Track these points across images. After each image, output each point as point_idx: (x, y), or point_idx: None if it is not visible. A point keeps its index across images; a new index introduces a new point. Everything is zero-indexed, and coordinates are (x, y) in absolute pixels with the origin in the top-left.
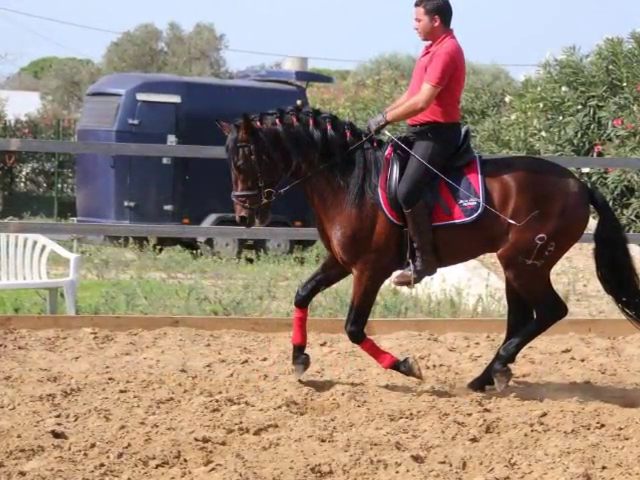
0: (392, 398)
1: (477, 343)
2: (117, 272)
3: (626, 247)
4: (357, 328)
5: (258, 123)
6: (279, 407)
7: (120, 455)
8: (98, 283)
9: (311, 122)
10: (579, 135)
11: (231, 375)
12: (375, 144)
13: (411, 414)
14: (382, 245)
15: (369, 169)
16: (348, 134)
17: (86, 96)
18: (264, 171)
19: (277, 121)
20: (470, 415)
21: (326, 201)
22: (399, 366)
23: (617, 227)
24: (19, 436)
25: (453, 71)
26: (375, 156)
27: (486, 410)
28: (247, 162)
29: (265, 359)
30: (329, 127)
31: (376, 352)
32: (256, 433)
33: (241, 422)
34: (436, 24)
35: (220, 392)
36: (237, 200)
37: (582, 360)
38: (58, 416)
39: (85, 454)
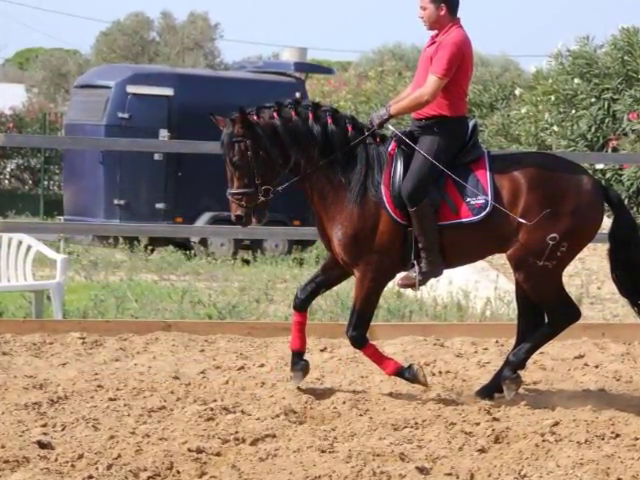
0: (396, 407)
1: (485, 349)
2: (106, 274)
3: None
4: (359, 333)
5: (255, 117)
6: (277, 416)
7: (109, 466)
8: (86, 285)
9: (311, 116)
10: (593, 130)
11: (226, 382)
12: (378, 139)
13: (416, 423)
14: (385, 245)
15: (372, 165)
16: (349, 129)
17: (74, 88)
18: (261, 167)
19: (275, 115)
20: (478, 424)
21: (326, 199)
22: (403, 373)
23: (633, 226)
24: (3, 446)
25: (460, 62)
26: (378, 152)
27: (495, 419)
28: (243, 158)
29: (262, 365)
30: (330, 121)
31: (379, 358)
32: (253, 443)
33: (237, 432)
34: (442, 13)
35: (215, 400)
36: (233, 198)
37: (596, 366)
38: (44, 425)
39: (72, 465)
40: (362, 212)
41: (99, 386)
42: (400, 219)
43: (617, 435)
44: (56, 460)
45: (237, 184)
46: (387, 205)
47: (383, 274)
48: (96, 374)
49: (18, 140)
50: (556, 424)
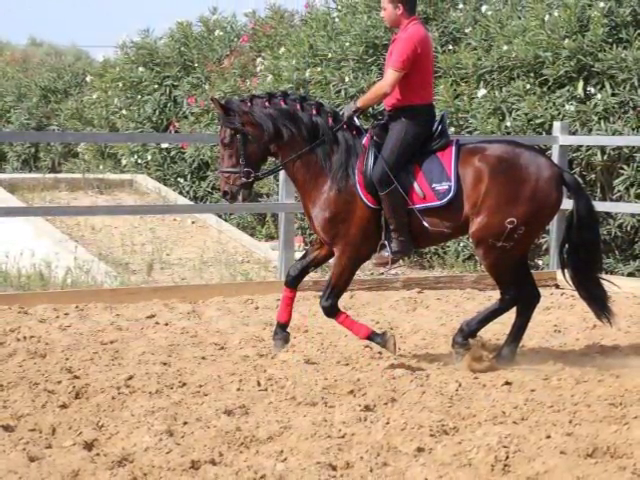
0: None
1: (66, 314)
2: None
3: (598, 231)
4: (331, 303)
5: (249, 104)
6: None
7: None
8: None
9: (298, 107)
10: (157, 113)
11: None
12: (355, 131)
13: (1, 385)
14: (359, 227)
15: (349, 154)
16: (330, 120)
17: None
18: (247, 151)
19: (266, 103)
20: (60, 383)
21: (308, 184)
22: (375, 338)
23: (590, 211)
24: None
25: (417, 55)
26: (354, 142)
27: (76, 377)
28: (232, 140)
29: None
30: (314, 112)
31: (351, 324)
32: None
33: None
34: (399, 12)
35: None
36: (222, 175)
37: (166, 324)
38: None
39: None
40: (338, 197)
41: None
42: (371, 203)
43: (184, 384)
44: None
45: (226, 163)
46: (360, 190)
47: (359, 254)
48: None
49: None
50: (130, 378)
